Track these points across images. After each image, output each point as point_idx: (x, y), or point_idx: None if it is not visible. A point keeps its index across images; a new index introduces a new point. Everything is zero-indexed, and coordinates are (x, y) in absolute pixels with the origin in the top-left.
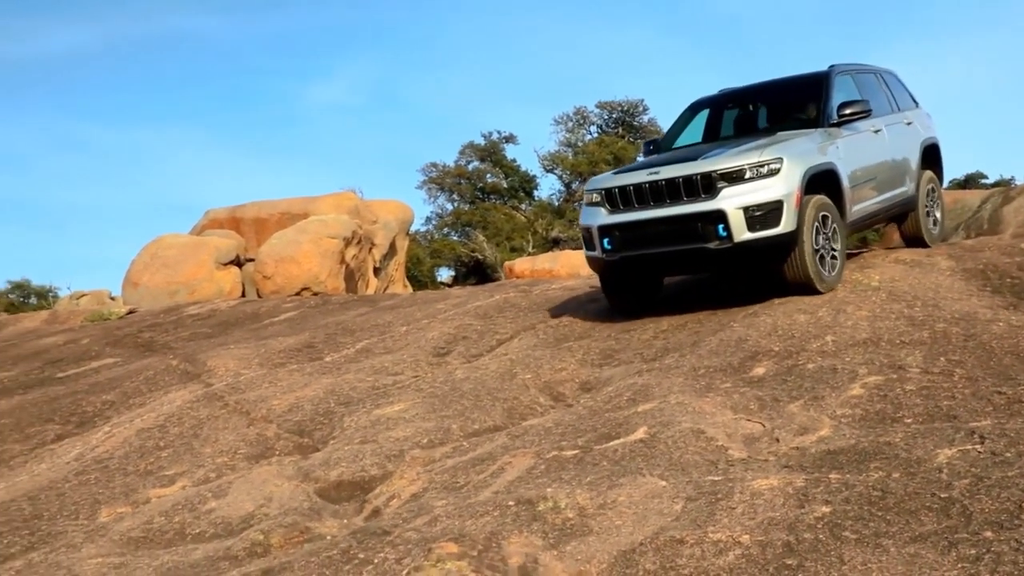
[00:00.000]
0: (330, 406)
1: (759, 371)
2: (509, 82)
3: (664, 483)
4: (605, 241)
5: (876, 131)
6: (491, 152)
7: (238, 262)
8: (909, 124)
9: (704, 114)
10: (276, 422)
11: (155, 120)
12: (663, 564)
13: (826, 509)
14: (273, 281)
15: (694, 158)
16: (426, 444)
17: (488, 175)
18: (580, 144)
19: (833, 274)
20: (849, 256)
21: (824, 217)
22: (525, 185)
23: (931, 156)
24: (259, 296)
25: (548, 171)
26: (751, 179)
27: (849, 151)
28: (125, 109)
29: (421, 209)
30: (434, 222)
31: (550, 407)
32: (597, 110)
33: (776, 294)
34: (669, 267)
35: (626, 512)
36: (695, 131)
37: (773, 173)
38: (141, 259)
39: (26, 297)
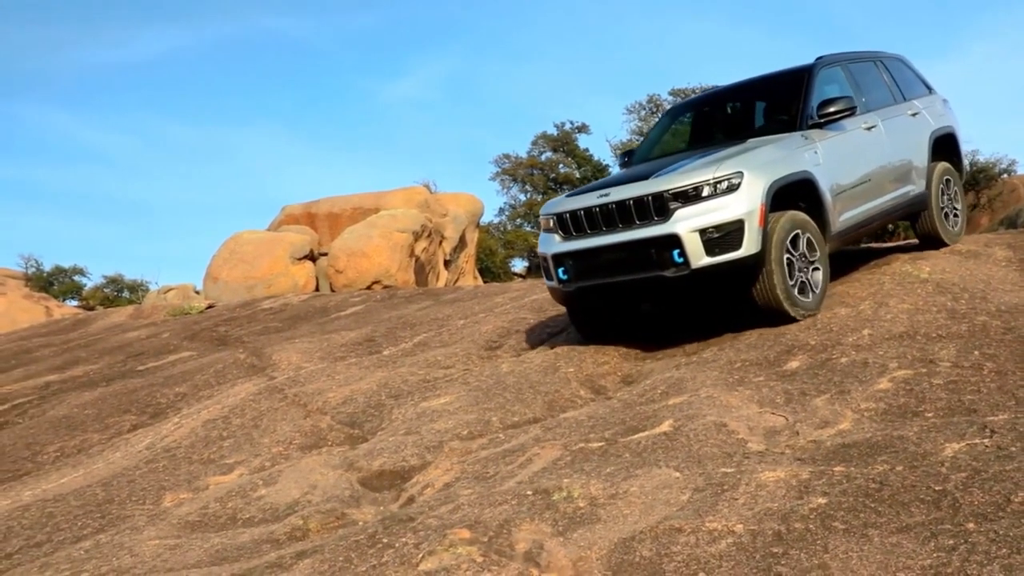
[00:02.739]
0: (381, 399)
1: (793, 365)
2: (582, 72)
3: (678, 474)
4: (560, 270)
5: (869, 128)
6: (564, 142)
7: (312, 257)
8: (915, 115)
9: (685, 120)
10: (330, 414)
11: (242, 119)
12: (658, 551)
13: (822, 500)
14: (345, 275)
15: (646, 177)
16: (465, 436)
17: (560, 165)
18: None
19: (812, 297)
20: (905, 250)
21: (799, 234)
22: (597, 175)
23: (945, 147)
24: (332, 290)
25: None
26: (707, 197)
27: (832, 155)
28: (214, 109)
29: (494, 200)
30: (507, 213)
31: (590, 400)
32: (670, 98)
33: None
34: (628, 297)
35: (635, 502)
36: (675, 139)
37: (732, 189)
38: (221, 255)
39: (119, 291)
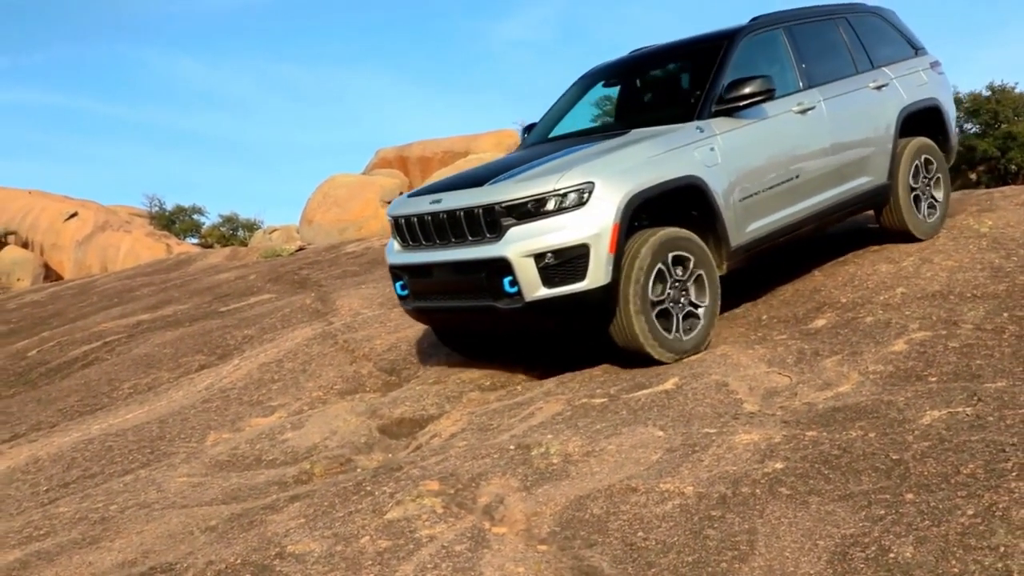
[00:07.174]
0: (423, 346)
1: (819, 323)
2: (691, 13)
3: (661, 433)
4: (398, 285)
5: (804, 110)
6: None
7: None
8: (882, 87)
9: (596, 91)
10: (374, 360)
11: (351, 61)
12: (608, 509)
13: (779, 465)
14: None
15: (482, 181)
16: (487, 387)
17: None
18: None
19: (692, 335)
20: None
21: (673, 258)
22: None
23: (926, 122)
24: None
25: None
26: (548, 213)
27: (738, 150)
28: (325, 51)
29: None
30: None
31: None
32: None
33: (872, 241)
34: (466, 326)
35: (608, 460)
36: (581, 115)
37: (578, 204)
38: (315, 198)
39: (235, 229)
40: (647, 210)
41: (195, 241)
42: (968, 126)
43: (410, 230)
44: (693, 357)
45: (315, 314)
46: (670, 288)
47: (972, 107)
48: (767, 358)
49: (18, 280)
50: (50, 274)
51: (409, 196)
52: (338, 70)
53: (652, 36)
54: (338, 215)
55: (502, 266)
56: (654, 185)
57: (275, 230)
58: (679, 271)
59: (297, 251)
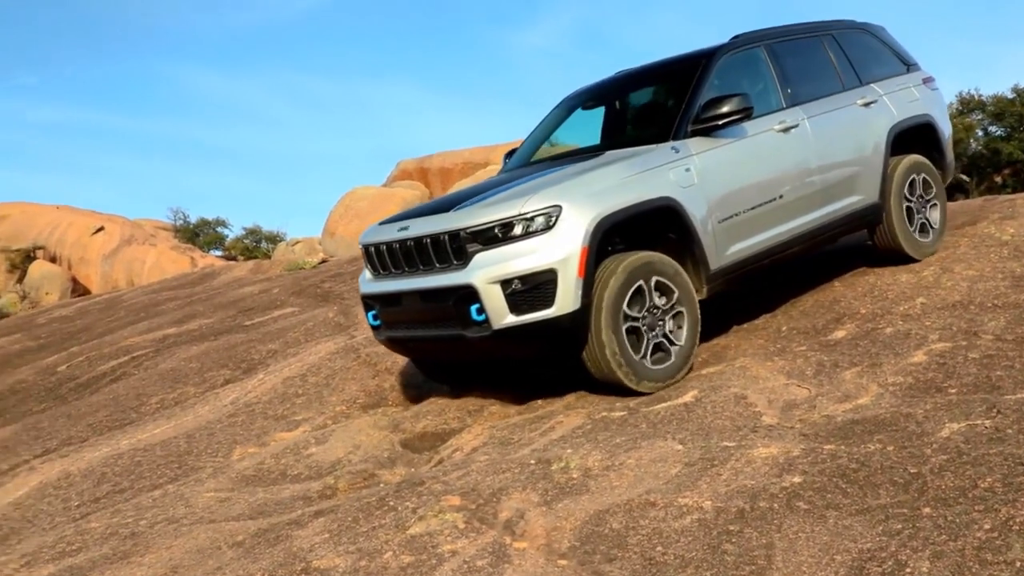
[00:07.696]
0: None
1: (839, 334)
2: (710, 18)
3: (680, 447)
4: (371, 315)
5: (786, 129)
6: None
7: None
8: (870, 104)
9: (579, 113)
10: (395, 374)
11: (374, 71)
12: (627, 524)
13: (797, 479)
14: None
15: (448, 207)
16: (508, 400)
17: None
18: None
19: (669, 362)
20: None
21: (648, 284)
22: None
23: (919, 139)
24: None
25: None
26: (515, 238)
27: (716, 171)
28: (349, 63)
29: None
30: None
31: None
32: None
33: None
34: (441, 355)
35: (627, 474)
36: (568, 137)
37: (545, 228)
38: (337, 210)
39: (258, 241)
40: (621, 234)
41: (219, 254)
42: (993, 129)
43: (379, 258)
44: (714, 368)
45: (338, 328)
46: (645, 315)
47: (996, 110)
48: (786, 370)
49: (47, 294)
50: (77, 288)
51: (380, 224)
52: (359, 80)
53: (671, 43)
54: (359, 227)
55: (468, 293)
56: (625, 207)
57: (298, 242)
58: (655, 297)
59: (320, 264)
